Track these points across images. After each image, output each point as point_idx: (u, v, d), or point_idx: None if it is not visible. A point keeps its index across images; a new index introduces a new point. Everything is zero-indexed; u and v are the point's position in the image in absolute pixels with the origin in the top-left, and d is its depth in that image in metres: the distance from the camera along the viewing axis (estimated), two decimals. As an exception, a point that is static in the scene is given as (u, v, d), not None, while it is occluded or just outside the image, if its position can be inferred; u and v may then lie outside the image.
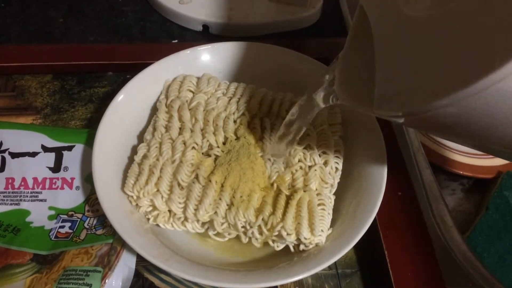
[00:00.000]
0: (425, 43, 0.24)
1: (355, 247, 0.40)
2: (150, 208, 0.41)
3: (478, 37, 0.21)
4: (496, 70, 0.19)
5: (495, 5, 0.20)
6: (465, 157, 0.66)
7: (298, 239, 0.39)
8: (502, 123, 0.22)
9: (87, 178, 0.45)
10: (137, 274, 0.41)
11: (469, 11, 0.21)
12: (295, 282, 0.41)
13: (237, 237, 0.41)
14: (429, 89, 0.23)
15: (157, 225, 0.42)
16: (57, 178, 0.45)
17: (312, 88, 0.36)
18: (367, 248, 0.44)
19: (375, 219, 0.40)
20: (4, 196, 0.44)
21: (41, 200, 0.44)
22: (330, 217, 0.40)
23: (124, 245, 0.40)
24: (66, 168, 0.45)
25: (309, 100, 0.36)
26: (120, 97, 0.45)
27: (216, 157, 0.43)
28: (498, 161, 0.67)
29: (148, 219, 0.41)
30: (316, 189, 0.41)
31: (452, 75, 0.22)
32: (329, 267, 0.43)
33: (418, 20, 0.25)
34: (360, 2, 0.30)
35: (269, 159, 0.43)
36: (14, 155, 0.45)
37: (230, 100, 0.47)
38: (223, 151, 0.43)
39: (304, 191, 0.40)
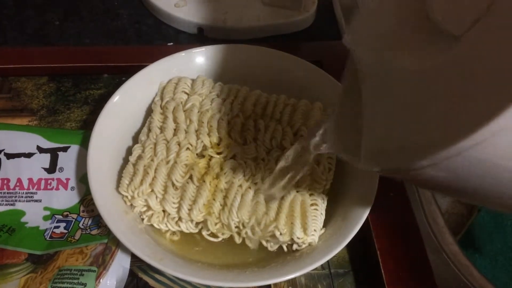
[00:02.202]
0: (408, 101, 0.24)
1: (348, 247, 0.40)
2: (145, 208, 0.41)
3: (453, 102, 0.20)
4: (464, 138, 0.19)
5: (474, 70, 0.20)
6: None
7: (291, 239, 0.39)
8: (490, 184, 0.21)
9: (82, 179, 0.45)
10: (132, 274, 0.42)
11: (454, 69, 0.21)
12: (288, 282, 0.42)
13: (231, 238, 0.42)
14: (409, 149, 0.23)
15: (152, 225, 0.42)
16: (52, 179, 0.45)
17: (308, 133, 0.35)
18: (360, 248, 0.44)
19: (367, 219, 0.40)
20: (-1, 197, 0.44)
21: (36, 201, 0.44)
22: (323, 217, 0.41)
23: (118, 245, 0.41)
24: (61, 169, 0.46)
25: (304, 146, 0.36)
26: (115, 98, 0.45)
27: (210, 157, 0.43)
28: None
29: (143, 219, 0.42)
30: (309, 190, 0.42)
31: (431, 136, 0.21)
32: (322, 267, 0.43)
33: (406, 75, 0.25)
34: (351, 52, 0.30)
35: (263, 159, 0.43)
36: (9, 156, 0.45)
37: (224, 101, 0.47)
38: (217, 152, 0.44)
39: (297, 192, 0.41)
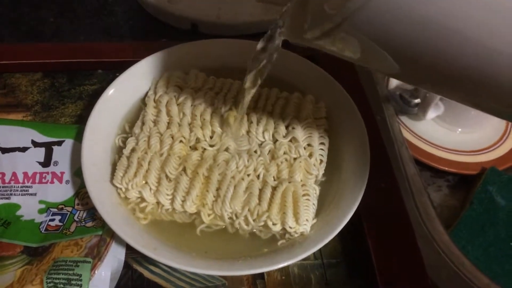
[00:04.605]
0: None
1: (340, 237, 0.41)
2: (139, 200, 0.42)
3: None
4: None
5: None
6: (451, 153, 0.67)
7: (284, 229, 0.40)
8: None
9: (77, 173, 0.45)
10: (127, 266, 0.42)
11: None
12: (281, 271, 0.42)
13: (224, 229, 0.42)
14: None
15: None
16: (47, 173, 0.45)
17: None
18: (352, 239, 0.45)
19: (358, 210, 0.41)
20: (-6, 191, 0.44)
21: (31, 194, 0.45)
22: (315, 207, 0.42)
23: (113, 236, 0.41)
24: (56, 163, 0.46)
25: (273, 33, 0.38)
26: (109, 92, 0.46)
27: (204, 150, 0.44)
28: (483, 158, 0.68)
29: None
30: (301, 180, 0.42)
31: None
32: (315, 257, 0.44)
33: None
34: None
35: (255, 152, 0.44)
36: (4, 150, 0.46)
37: (217, 95, 0.48)
38: (210, 145, 0.44)
39: (289, 182, 0.41)
